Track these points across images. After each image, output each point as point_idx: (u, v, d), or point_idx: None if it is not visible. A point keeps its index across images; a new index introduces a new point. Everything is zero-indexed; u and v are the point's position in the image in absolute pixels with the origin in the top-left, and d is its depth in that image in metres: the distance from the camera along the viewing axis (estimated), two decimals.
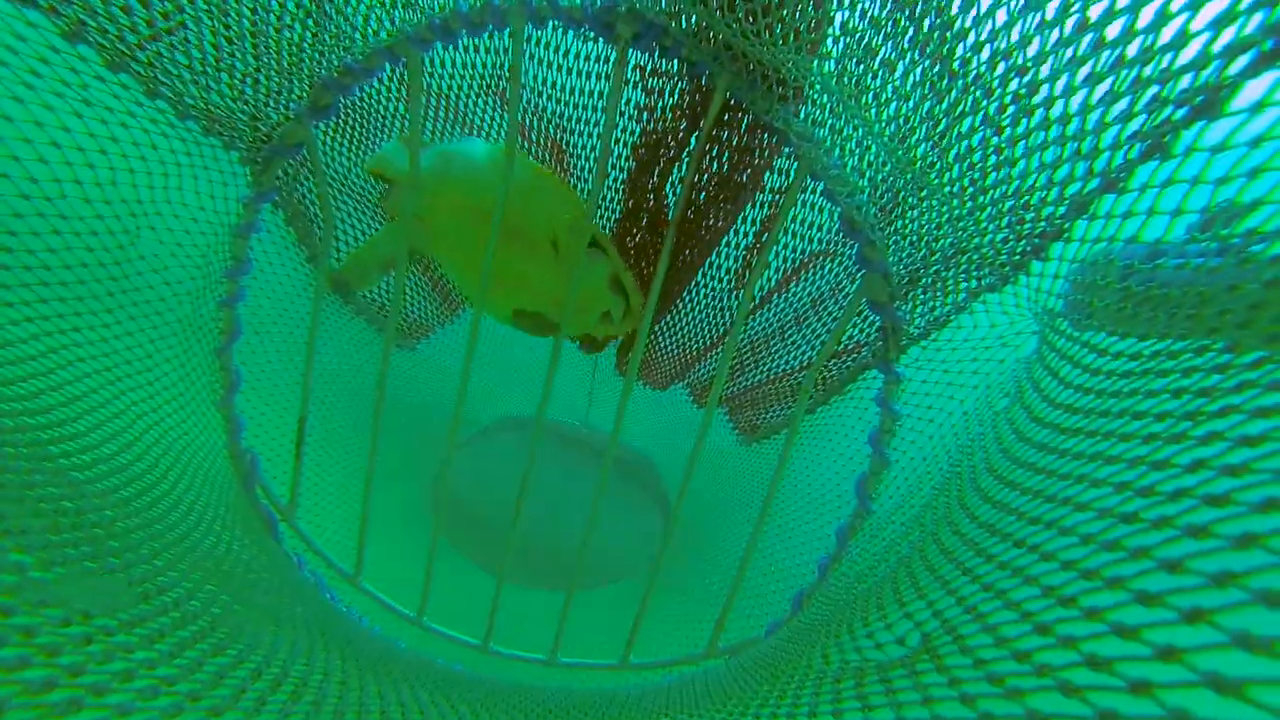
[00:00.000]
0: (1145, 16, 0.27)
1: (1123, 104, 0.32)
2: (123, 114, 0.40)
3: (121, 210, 0.43)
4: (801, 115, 0.48)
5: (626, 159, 0.58)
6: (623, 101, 0.53)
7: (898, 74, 0.42)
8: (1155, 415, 0.25)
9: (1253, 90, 0.24)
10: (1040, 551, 0.28)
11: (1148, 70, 0.30)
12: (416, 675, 0.51)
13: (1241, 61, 0.24)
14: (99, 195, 0.40)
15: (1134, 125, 0.33)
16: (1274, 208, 0.23)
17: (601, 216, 0.66)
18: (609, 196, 0.62)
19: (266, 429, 0.65)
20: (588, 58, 0.54)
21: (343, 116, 0.60)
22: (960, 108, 0.41)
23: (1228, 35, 0.24)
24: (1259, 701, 0.17)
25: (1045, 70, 0.34)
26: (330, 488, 0.77)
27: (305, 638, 0.40)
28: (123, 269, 0.44)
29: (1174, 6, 0.25)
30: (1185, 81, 0.28)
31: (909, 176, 0.49)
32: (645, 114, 0.53)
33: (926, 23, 0.38)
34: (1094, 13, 0.28)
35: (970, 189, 0.46)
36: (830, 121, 0.48)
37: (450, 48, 0.57)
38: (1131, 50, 0.29)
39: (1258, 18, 0.22)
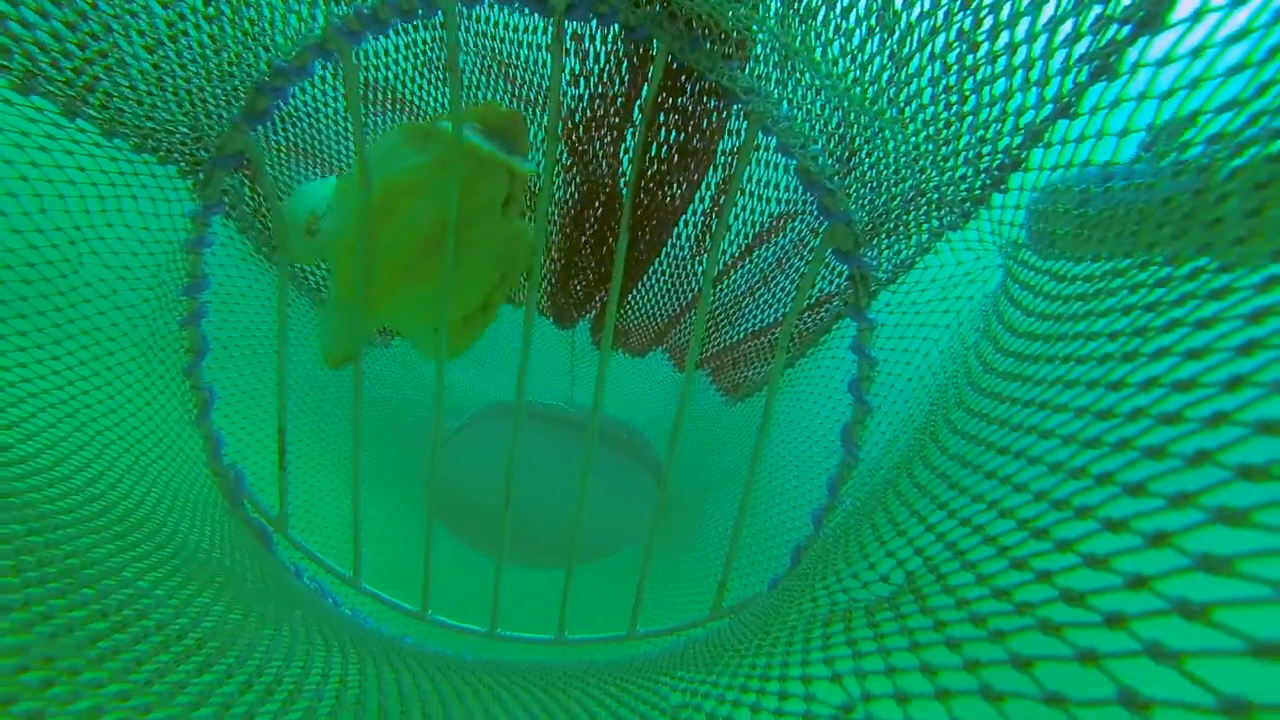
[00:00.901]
0: None
1: (1069, 26, 0.32)
2: (40, 138, 0.38)
3: (58, 238, 0.41)
4: (747, 71, 0.47)
5: (576, 127, 0.57)
6: (565, 73, 0.51)
7: (839, 10, 0.41)
8: (1108, 335, 0.25)
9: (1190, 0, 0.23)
10: (1011, 482, 0.28)
11: None
12: (423, 667, 0.52)
13: None
14: (28, 225, 0.39)
15: (1081, 47, 0.32)
16: (1208, 117, 0.23)
17: (559, 199, 0.64)
18: (563, 177, 0.61)
19: (247, 442, 0.64)
20: (526, 30, 0.52)
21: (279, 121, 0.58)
22: (907, 47, 0.40)
23: None
24: (1222, 624, 0.17)
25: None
26: (323, 492, 0.77)
27: (304, 639, 0.40)
28: (67, 298, 0.43)
29: None
30: None
31: (864, 122, 0.48)
32: (583, 82, 0.52)
33: None
34: None
35: (926, 128, 0.45)
36: (776, 75, 0.47)
37: (380, 38, 0.54)
38: None
39: None
